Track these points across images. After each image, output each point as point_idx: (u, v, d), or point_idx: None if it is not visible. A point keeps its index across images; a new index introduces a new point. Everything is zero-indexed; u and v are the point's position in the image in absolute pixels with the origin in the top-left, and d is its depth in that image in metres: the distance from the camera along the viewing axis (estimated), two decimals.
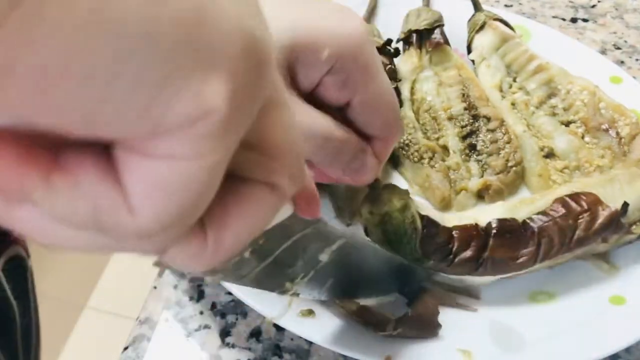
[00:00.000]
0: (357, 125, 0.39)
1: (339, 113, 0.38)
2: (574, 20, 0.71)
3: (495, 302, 0.46)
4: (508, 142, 0.53)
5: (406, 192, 0.44)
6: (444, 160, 0.53)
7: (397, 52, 0.58)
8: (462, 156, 0.53)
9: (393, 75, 0.56)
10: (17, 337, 0.48)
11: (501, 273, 0.45)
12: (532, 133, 0.55)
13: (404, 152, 0.53)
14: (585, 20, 0.71)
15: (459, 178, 0.52)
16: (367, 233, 0.44)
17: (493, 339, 0.43)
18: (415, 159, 0.53)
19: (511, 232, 0.45)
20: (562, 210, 0.45)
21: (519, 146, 0.54)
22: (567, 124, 0.56)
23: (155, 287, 0.48)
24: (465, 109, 0.55)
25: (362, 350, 0.41)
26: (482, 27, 0.59)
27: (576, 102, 0.56)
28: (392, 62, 0.57)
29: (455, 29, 0.60)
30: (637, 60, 0.67)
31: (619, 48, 0.68)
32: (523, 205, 0.47)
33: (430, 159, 0.53)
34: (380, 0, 0.64)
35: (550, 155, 0.54)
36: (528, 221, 0.45)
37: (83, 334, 1.39)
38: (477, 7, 0.61)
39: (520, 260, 0.45)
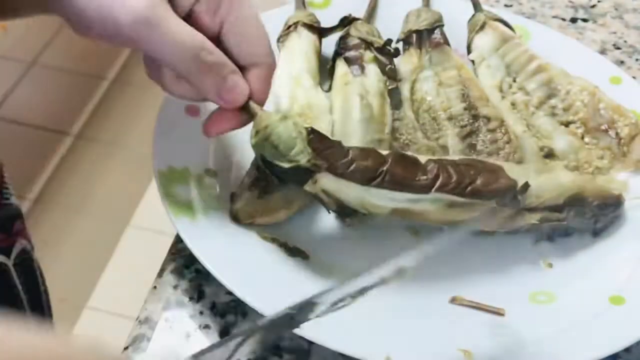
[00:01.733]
0: (231, 54, 0.41)
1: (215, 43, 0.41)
2: (573, 20, 0.71)
3: (495, 302, 0.46)
4: (508, 142, 0.53)
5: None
6: None
7: (397, 52, 0.58)
8: (462, 156, 0.53)
9: (393, 75, 0.56)
10: None
11: (394, 190, 0.44)
12: (532, 133, 0.55)
13: (404, 152, 0.53)
14: (585, 20, 0.71)
15: None
16: (261, 159, 0.44)
17: (493, 338, 0.43)
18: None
19: (413, 160, 0.46)
20: (468, 162, 0.47)
21: (519, 146, 0.54)
22: (566, 124, 0.56)
23: (155, 287, 0.48)
24: (465, 109, 0.55)
25: (362, 350, 0.41)
26: (482, 28, 0.59)
27: (576, 103, 0.56)
28: (392, 62, 0.57)
29: (455, 29, 0.60)
30: (637, 60, 0.67)
31: (618, 48, 0.68)
32: None
33: None
34: (380, 1, 0.64)
35: (549, 155, 0.54)
36: (432, 159, 0.46)
37: (83, 334, 1.39)
38: (476, 7, 0.61)
39: (418, 182, 0.44)
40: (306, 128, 0.44)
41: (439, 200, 0.45)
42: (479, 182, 0.45)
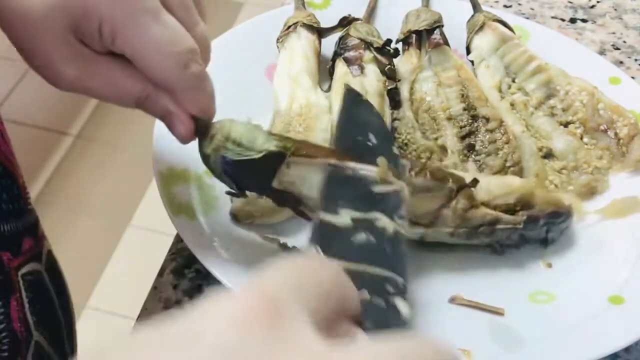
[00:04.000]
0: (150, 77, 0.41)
1: None
2: (573, 20, 0.71)
3: (495, 302, 0.46)
4: (507, 143, 0.53)
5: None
6: (441, 161, 0.53)
7: (396, 53, 0.58)
8: (460, 156, 0.53)
9: (392, 75, 0.56)
10: (64, 335, 0.49)
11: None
12: (531, 133, 0.55)
13: (402, 152, 0.53)
14: (584, 20, 0.71)
15: None
16: (222, 164, 0.42)
17: (493, 338, 0.43)
18: (413, 159, 0.53)
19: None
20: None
21: (518, 146, 0.54)
22: (565, 124, 0.56)
23: (155, 287, 0.48)
24: (465, 109, 0.55)
25: None
26: (481, 28, 0.59)
27: (575, 103, 0.56)
28: (391, 63, 0.57)
29: (455, 30, 0.60)
30: (636, 60, 0.67)
31: (617, 48, 0.68)
32: None
33: (428, 159, 0.53)
34: (380, 1, 0.64)
35: (548, 155, 0.54)
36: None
37: (83, 334, 1.39)
38: (476, 7, 0.61)
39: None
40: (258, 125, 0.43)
41: None
42: (432, 168, 0.46)
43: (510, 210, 0.47)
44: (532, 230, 0.48)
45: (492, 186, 0.47)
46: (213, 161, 0.42)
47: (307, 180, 0.42)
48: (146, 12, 0.39)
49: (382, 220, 0.37)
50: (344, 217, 0.37)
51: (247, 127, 0.42)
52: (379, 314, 0.30)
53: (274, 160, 0.41)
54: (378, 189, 0.40)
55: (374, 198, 0.40)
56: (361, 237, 0.36)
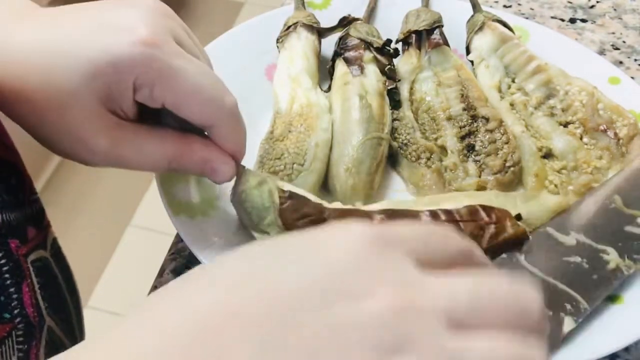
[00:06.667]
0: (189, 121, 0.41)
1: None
2: (572, 20, 0.71)
3: None
4: (506, 143, 0.53)
5: (262, 174, 0.45)
6: (441, 161, 0.53)
7: (396, 53, 0.58)
8: (460, 156, 0.53)
9: (392, 75, 0.56)
10: (73, 317, 0.49)
11: None
12: (531, 133, 0.55)
13: (402, 152, 0.53)
14: (583, 20, 0.71)
15: (453, 178, 0.52)
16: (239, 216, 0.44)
17: None
18: (413, 159, 0.53)
19: (405, 213, 0.44)
20: (470, 210, 0.45)
21: (517, 146, 0.54)
22: (565, 124, 0.56)
23: (155, 287, 0.48)
24: (464, 109, 0.55)
25: None
26: (481, 28, 0.59)
27: (575, 103, 0.56)
28: (391, 63, 0.57)
29: (455, 30, 0.60)
30: (635, 60, 0.67)
31: (617, 48, 0.68)
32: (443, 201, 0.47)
33: (428, 159, 0.53)
34: (380, 1, 0.64)
35: (548, 155, 0.54)
36: (429, 210, 0.44)
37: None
38: (476, 7, 0.61)
39: None
40: (281, 196, 0.43)
41: None
42: (485, 238, 0.44)
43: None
44: None
45: (533, 217, 0.47)
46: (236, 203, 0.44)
47: None
48: (176, 55, 0.39)
49: (611, 256, 0.41)
50: (570, 239, 0.41)
51: (262, 200, 0.43)
52: None
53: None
54: (630, 228, 0.44)
55: (619, 234, 0.43)
56: (575, 259, 0.40)
